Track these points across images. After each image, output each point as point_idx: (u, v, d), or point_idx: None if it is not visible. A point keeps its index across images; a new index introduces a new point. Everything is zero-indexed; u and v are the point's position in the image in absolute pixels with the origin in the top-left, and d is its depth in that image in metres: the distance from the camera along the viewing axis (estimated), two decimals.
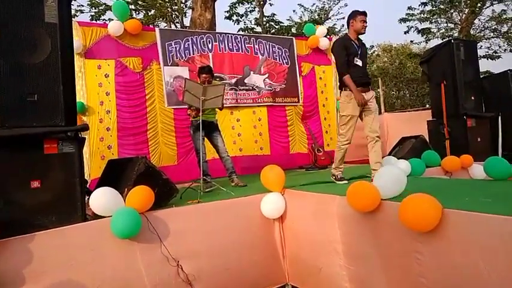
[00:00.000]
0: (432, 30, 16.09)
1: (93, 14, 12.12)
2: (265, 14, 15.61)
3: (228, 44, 6.34)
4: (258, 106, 6.52)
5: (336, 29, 17.01)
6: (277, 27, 15.79)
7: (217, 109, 4.58)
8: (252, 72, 6.50)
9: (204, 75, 4.45)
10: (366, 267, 2.68)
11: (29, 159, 2.60)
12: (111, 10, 7.14)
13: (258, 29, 15.48)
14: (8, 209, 2.47)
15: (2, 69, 2.52)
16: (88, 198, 2.85)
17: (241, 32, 13.91)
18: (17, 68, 2.58)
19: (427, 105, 14.15)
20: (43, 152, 2.65)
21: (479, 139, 5.27)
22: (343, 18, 18.26)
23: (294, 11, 25.90)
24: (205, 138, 4.52)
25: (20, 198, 2.52)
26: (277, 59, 6.77)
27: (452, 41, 5.50)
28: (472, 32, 15.52)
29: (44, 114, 2.66)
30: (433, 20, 15.92)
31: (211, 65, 5.91)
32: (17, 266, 2.37)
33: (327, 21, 17.18)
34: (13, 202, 2.50)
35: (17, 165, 2.55)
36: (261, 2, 15.29)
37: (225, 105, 4.66)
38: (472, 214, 2.05)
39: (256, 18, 15.70)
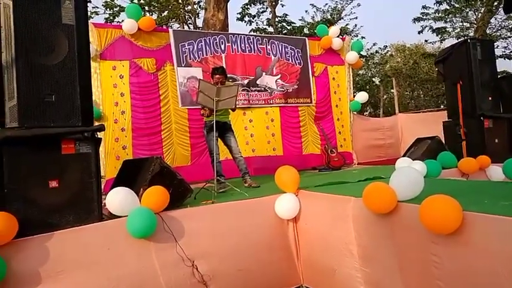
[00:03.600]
0: (447, 29, 15.86)
1: (107, 16, 12.28)
2: (277, 15, 15.59)
3: (240, 45, 6.35)
4: (271, 107, 6.52)
5: (349, 29, 16.88)
6: (289, 27, 15.74)
7: (230, 110, 4.59)
8: (264, 73, 6.50)
9: (217, 75, 4.46)
10: (382, 269, 2.65)
11: (47, 159, 2.63)
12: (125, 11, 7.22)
13: (270, 29, 15.47)
14: (27, 209, 2.50)
15: (21, 70, 2.56)
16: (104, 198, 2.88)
17: (253, 33, 13.92)
18: (35, 69, 2.61)
19: (442, 106, 13.95)
20: (61, 152, 2.68)
21: (496, 140, 5.16)
22: (356, 18, 18.13)
23: (306, 11, 25.74)
24: (219, 139, 4.53)
25: (38, 198, 2.56)
26: (290, 60, 6.75)
27: (468, 40, 5.41)
28: (488, 31, 15.23)
29: (61, 115, 2.69)
30: (448, 20, 15.68)
31: (224, 66, 5.93)
32: (35, 264, 2.41)
33: (340, 21, 17.06)
34: (32, 201, 2.53)
35: (36, 165, 2.58)
36: (273, 3, 15.27)
37: (237, 106, 4.67)
38: (491, 217, 2.00)
39: (268, 18, 15.71)
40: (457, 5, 15.06)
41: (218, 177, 4.14)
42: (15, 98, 2.56)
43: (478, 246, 2.00)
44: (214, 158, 4.29)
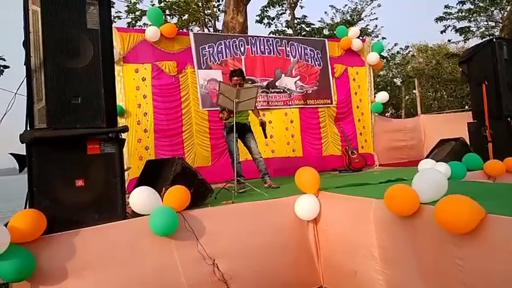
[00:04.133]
0: (471, 29, 15.45)
1: (129, 20, 12.54)
2: (296, 16, 15.55)
3: (260, 47, 6.39)
4: (290, 108, 6.52)
5: (369, 30, 16.67)
6: (308, 29, 15.66)
7: (249, 111, 4.62)
8: (283, 75, 6.51)
9: (235, 77, 4.51)
10: (403, 272, 2.61)
11: (74, 159, 2.72)
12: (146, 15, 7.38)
13: (289, 31, 15.44)
14: (54, 206, 2.58)
15: (49, 73, 2.66)
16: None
17: (272, 35, 13.94)
18: (62, 73, 2.71)
19: (466, 107, 13.59)
20: (86, 152, 2.76)
21: None
22: (376, 18, 17.90)
23: (325, 12, 25.54)
24: (239, 140, 4.56)
25: (65, 196, 2.65)
26: (309, 61, 6.74)
27: (494, 39, 5.27)
28: None
29: (86, 116, 2.77)
30: (472, 19, 15.28)
31: (244, 68, 5.98)
32: (61, 260, 2.49)
33: (360, 22, 16.85)
34: (59, 199, 2.63)
35: (63, 165, 2.67)
36: (292, 5, 15.24)
37: (257, 108, 4.69)
38: None
39: (287, 20, 15.67)
40: (481, 4, 14.65)
41: (238, 178, 4.17)
42: (43, 100, 2.66)
43: (503, 250, 1.95)
44: (234, 158, 4.32)
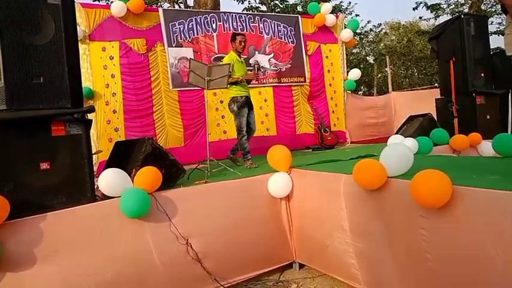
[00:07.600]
0: (442, 6, 15.67)
1: None
2: None
3: (232, 24, 6.25)
4: (264, 87, 6.48)
5: (343, 6, 16.63)
6: (282, 5, 15.46)
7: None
8: (256, 52, 6.42)
9: (239, 36, 4.48)
10: (373, 243, 2.71)
11: (38, 141, 2.61)
12: None
13: (263, 7, 15.19)
14: (19, 191, 2.49)
15: (6, 51, 2.51)
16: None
17: (245, 12, 13.67)
18: (22, 51, 2.56)
19: (436, 84, 13.93)
20: (51, 134, 2.66)
21: (488, 116, 5.20)
22: None
23: None
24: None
25: (30, 180, 2.55)
26: (283, 38, 6.67)
27: (462, 16, 5.37)
28: (483, 7, 15.05)
29: (50, 97, 2.65)
30: None
31: (216, 45, 5.86)
32: (29, 246, 2.42)
33: None
34: (23, 184, 2.53)
35: (26, 148, 2.56)
36: None
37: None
38: (477, 190, 2.04)
39: None
40: None
41: (245, 154, 4.33)
42: (2, 79, 2.52)
43: (463, 219, 2.05)
44: (206, 137, 4.29)
